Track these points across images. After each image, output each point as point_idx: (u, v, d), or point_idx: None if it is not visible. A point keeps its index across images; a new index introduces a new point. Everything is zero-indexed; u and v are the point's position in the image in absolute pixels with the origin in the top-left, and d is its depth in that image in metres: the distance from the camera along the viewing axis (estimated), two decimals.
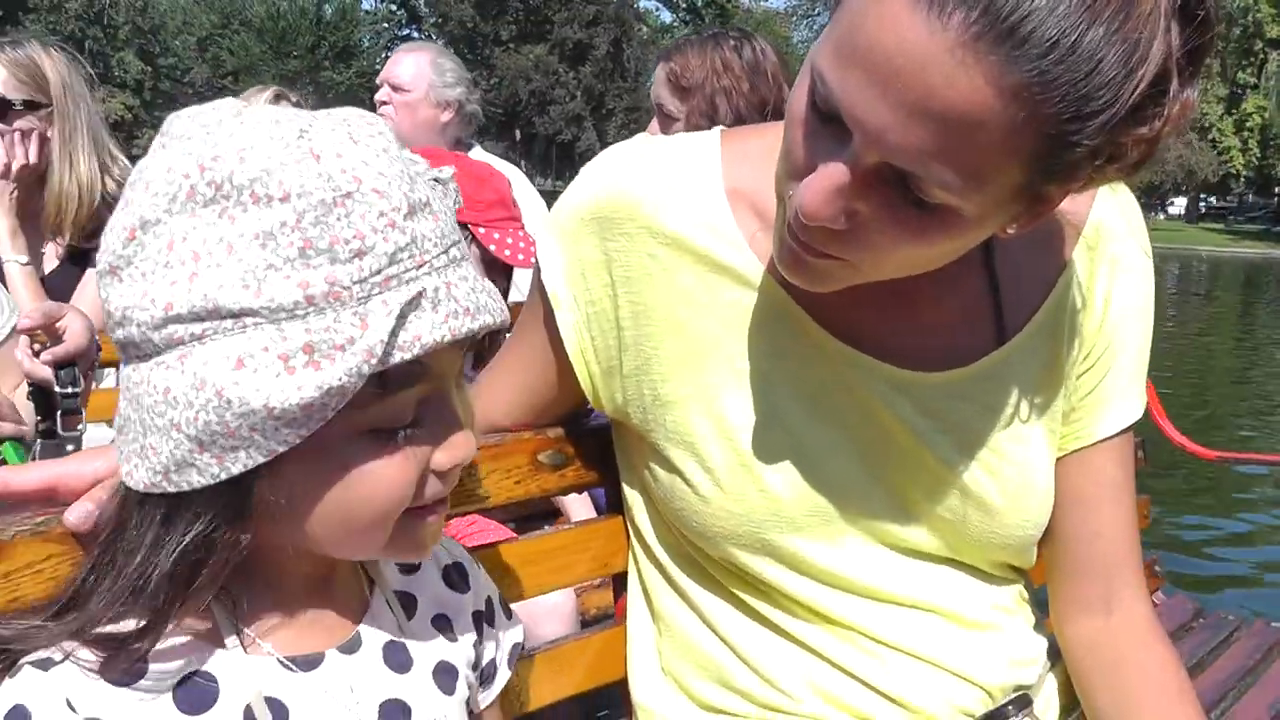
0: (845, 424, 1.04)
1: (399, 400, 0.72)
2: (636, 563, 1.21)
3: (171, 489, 0.69)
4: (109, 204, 2.44)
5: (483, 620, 0.95)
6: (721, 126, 1.12)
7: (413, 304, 0.68)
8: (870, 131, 0.76)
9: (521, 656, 1.02)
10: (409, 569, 0.91)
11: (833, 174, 0.80)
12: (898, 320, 1.03)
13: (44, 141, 2.41)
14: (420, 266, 0.69)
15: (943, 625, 1.09)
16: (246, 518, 0.72)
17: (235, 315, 0.66)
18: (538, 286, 1.10)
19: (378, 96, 3.44)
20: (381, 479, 0.73)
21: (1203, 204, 65.32)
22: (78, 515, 0.79)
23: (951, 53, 0.71)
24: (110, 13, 58.17)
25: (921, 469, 1.05)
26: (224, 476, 0.68)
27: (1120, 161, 0.77)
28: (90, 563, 0.75)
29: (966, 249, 0.87)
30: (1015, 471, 1.05)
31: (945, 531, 1.07)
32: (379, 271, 0.67)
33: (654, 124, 2.55)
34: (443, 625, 0.90)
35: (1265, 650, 2.33)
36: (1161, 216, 61.11)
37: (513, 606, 1.04)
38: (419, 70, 3.41)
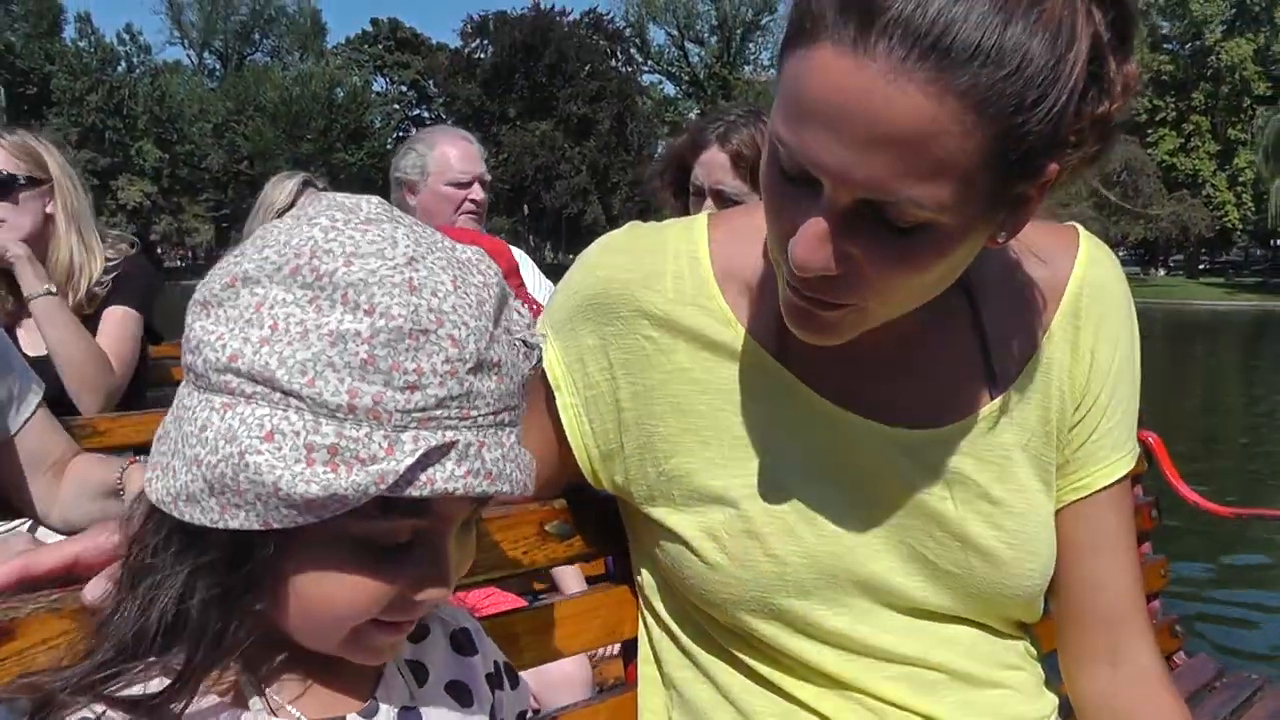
0: (848, 486, 1.06)
1: (394, 526, 0.75)
2: (647, 630, 1.23)
3: (177, 515, 0.72)
4: (100, 282, 2.62)
5: (494, 685, 0.97)
6: (710, 210, 1.16)
7: (441, 451, 0.71)
8: (835, 173, 0.81)
9: None
10: (417, 636, 0.93)
11: (814, 225, 0.85)
12: (891, 380, 1.07)
13: (47, 217, 2.54)
14: (465, 419, 0.72)
15: (951, 685, 1.09)
16: (256, 581, 0.75)
17: (285, 392, 0.69)
18: (539, 373, 1.14)
19: (474, 196, 3.24)
20: (349, 588, 0.76)
21: (1205, 259, 66.15)
22: (94, 594, 0.82)
23: (885, 78, 0.76)
24: (129, 104, 60.05)
25: (925, 525, 1.06)
26: (221, 525, 0.71)
27: (1081, 148, 0.82)
28: (116, 592, 0.78)
29: (963, 266, 0.91)
30: (1017, 523, 1.07)
31: (952, 586, 1.08)
32: (423, 410, 0.70)
33: (707, 206, 2.41)
34: (456, 690, 0.92)
35: None
36: (1162, 272, 61.86)
37: (529, 674, 1.12)
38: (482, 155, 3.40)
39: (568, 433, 1.13)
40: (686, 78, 72.91)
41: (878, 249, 0.85)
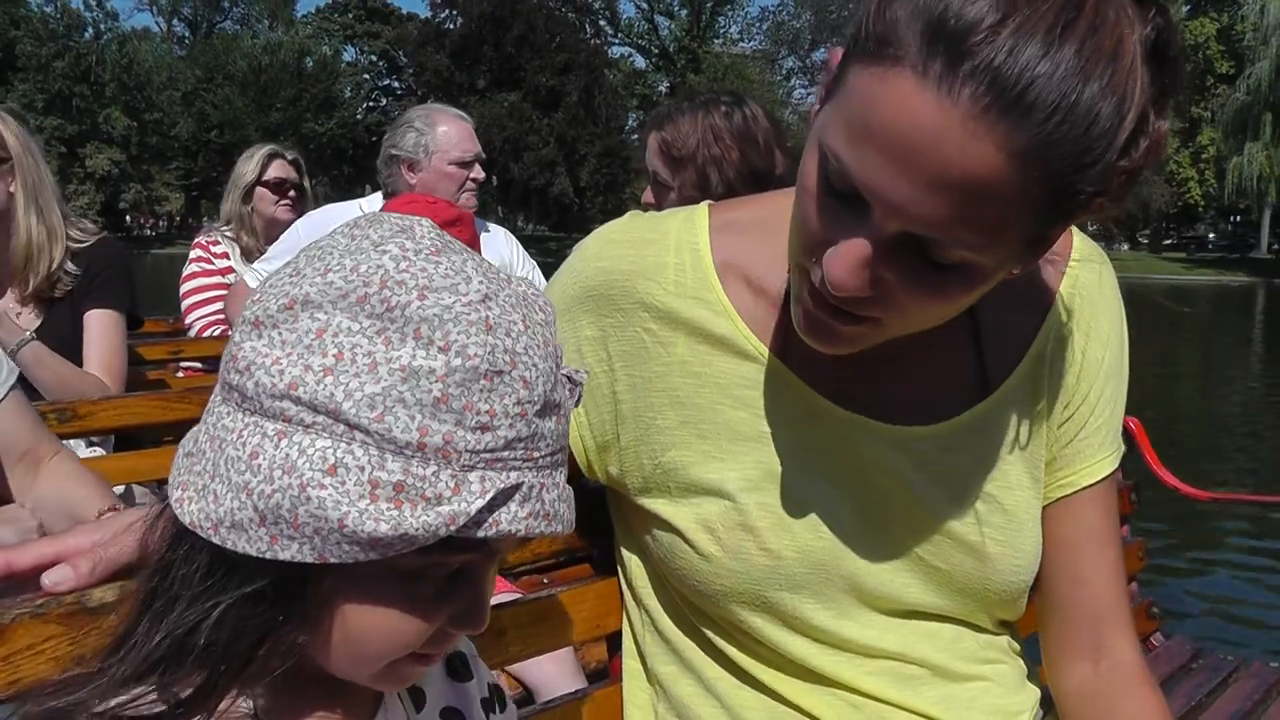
0: (842, 481, 1.07)
1: (444, 560, 0.74)
2: (631, 626, 1.24)
3: (218, 541, 0.69)
4: (70, 253, 2.54)
5: (489, 709, 0.97)
6: (709, 201, 1.18)
7: (507, 493, 0.71)
8: (892, 206, 0.80)
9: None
10: None
11: (856, 247, 0.84)
12: (886, 379, 1.07)
13: (9, 197, 2.42)
14: (529, 461, 0.72)
15: (933, 680, 1.11)
16: (303, 614, 0.73)
17: (350, 425, 0.68)
18: None
19: (475, 175, 3.33)
20: (394, 621, 0.75)
21: (1172, 234, 66.86)
22: (53, 579, 0.82)
23: (963, 125, 0.75)
24: (97, 70, 59.54)
25: (917, 521, 1.08)
26: (269, 556, 0.68)
27: (1106, 195, 0.82)
28: (138, 603, 0.76)
29: (980, 296, 0.92)
30: (1005, 520, 1.09)
31: (940, 583, 1.09)
32: (492, 451, 0.70)
33: (648, 192, 2.55)
34: (449, 715, 0.92)
35: (1265, 690, 2.33)
36: (1126, 246, 62.54)
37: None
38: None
39: None
40: (656, 50, 72.89)
41: (913, 279, 0.86)
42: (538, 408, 0.72)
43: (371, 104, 71.11)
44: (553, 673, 2.01)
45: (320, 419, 0.69)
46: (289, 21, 73.27)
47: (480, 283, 0.72)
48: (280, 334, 0.71)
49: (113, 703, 0.73)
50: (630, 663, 1.25)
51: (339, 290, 0.70)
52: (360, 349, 0.69)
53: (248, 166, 3.94)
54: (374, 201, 3.42)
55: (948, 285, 0.87)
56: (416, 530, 0.68)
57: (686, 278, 1.09)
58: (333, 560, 0.69)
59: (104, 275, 2.56)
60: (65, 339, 2.49)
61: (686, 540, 1.09)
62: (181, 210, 64.83)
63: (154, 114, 62.38)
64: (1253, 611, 5.21)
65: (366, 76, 72.36)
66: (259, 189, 3.91)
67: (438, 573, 0.75)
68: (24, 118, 2.58)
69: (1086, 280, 1.12)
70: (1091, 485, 1.13)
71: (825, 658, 1.10)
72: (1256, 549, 6.35)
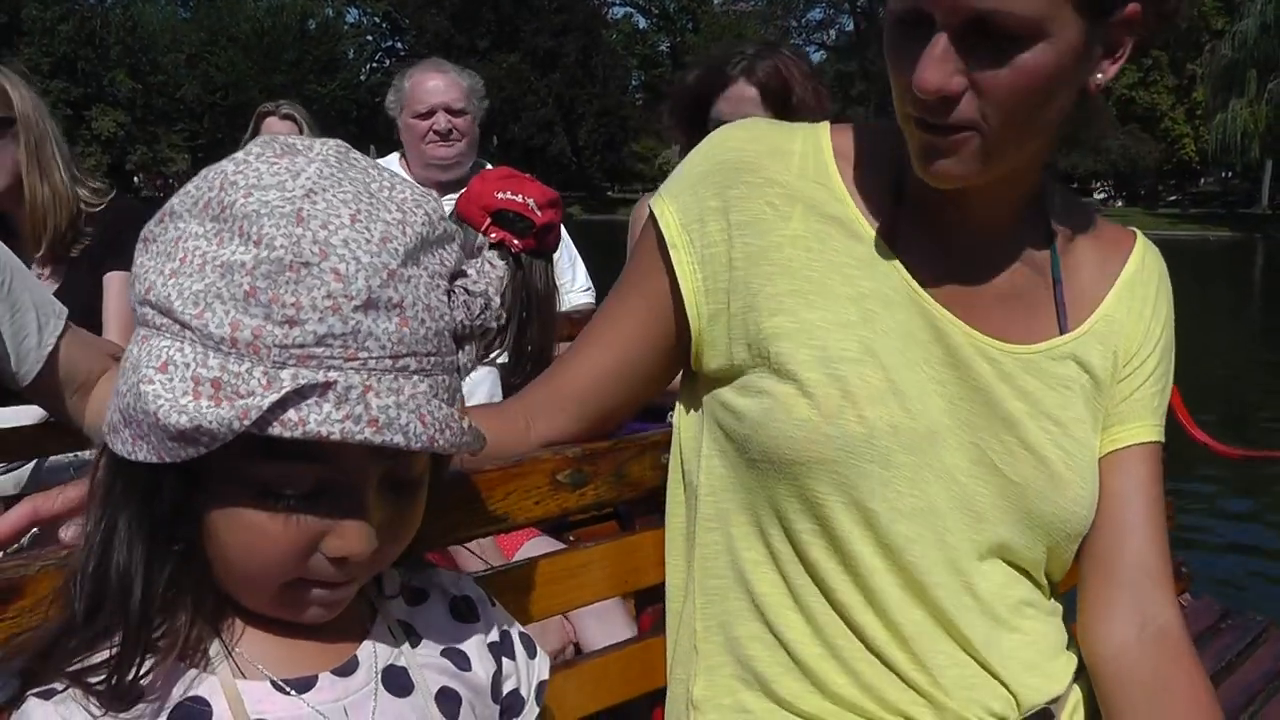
0: (935, 372, 1.12)
1: (287, 470, 0.72)
2: (688, 536, 1.23)
3: (111, 446, 0.72)
4: (85, 215, 2.51)
5: (500, 652, 0.95)
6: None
7: (317, 390, 0.68)
8: None
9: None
10: (415, 600, 0.92)
11: (933, 45, 0.96)
12: (980, 292, 1.15)
13: (15, 162, 2.39)
14: (350, 360, 0.69)
15: (981, 619, 1.12)
16: (170, 520, 0.73)
17: (181, 324, 0.69)
18: (653, 238, 1.19)
19: (436, 126, 3.24)
20: (260, 534, 0.73)
21: (1175, 190, 67.33)
22: (69, 534, 0.87)
23: None
24: (101, 34, 59.99)
25: (997, 429, 1.12)
26: (133, 457, 0.70)
27: (1143, 20, 1.00)
28: (83, 547, 0.77)
29: (1066, 102, 1.03)
30: (1075, 447, 1.14)
31: (1011, 498, 1.13)
32: (301, 346, 0.68)
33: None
34: (452, 655, 0.90)
35: None
36: (1120, 203, 63.03)
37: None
38: (472, 88, 3.38)
39: (683, 288, 1.16)
40: (656, 11, 73.14)
41: (989, 62, 0.96)
42: (356, 303, 0.69)
43: (374, 65, 71.50)
44: (596, 628, 1.94)
45: (165, 320, 0.70)
46: None
47: (309, 179, 0.71)
48: (155, 246, 0.73)
49: (83, 663, 0.73)
50: (674, 604, 1.25)
51: (193, 199, 0.72)
52: (198, 250, 0.70)
53: (250, 127, 3.94)
54: (391, 162, 3.40)
55: (1022, 61, 0.95)
56: (212, 423, 0.67)
57: (809, 164, 1.17)
58: (168, 459, 0.69)
59: (125, 236, 2.46)
60: (85, 301, 2.42)
61: (785, 407, 1.10)
62: (188, 170, 65.42)
63: (159, 76, 62.68)
64: None
65: (370, 38, 72.71)
66: None
67: (290, 485, 0.73)
68: (29, 77, 2.54)
69: (1151, 264, 1.24)
70: (1141, 444, 1.19)
71: (884, 578, 1.10)
72: None
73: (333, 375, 0.69)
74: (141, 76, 62.16)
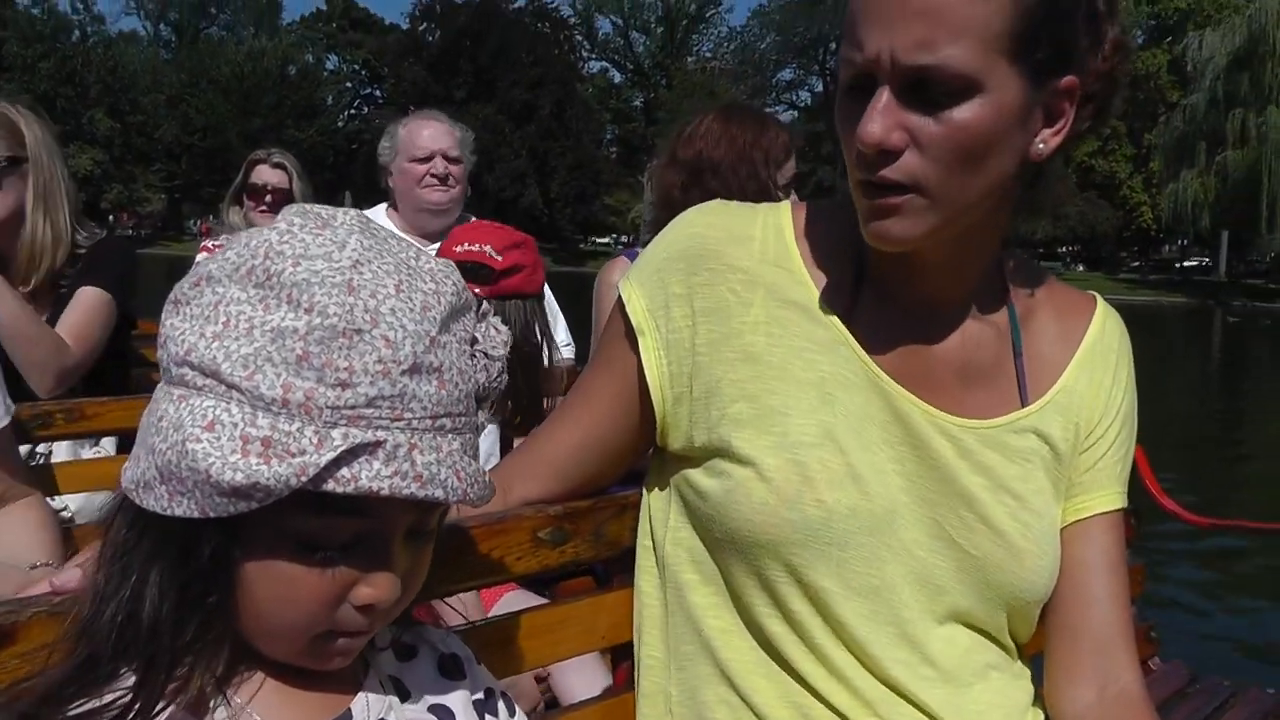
0: (893, 453, 1.14)
1: (331, 524, 0.76)
2: (660, 597, 1.25)
3: (139, 501, 0.74)
4: (73, 260, 2.48)
5: (484, 710, 0.97)
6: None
7: (368, 449, 0.72)
8: (880, 44, 0.96)
9: None
10: (405, 655, 0.94)
11: (875, 102, 0.98)
12: (939, 369, 1.16)
13: (20, 200, 2.37)
14: (396, 420, 0.74)
15: (943, 685, 1.14)
16: (208, 574, 0.75)
17: (228, 385, 0.72)
18: (620, 321, 1.22)
19: (434, 170, 3.28)
20: (297, 586, 0.76)
21: (1138, 257, 68.84)
22: (62, 579, 0.85)
23: None
24: (82, 73, 60.66)
25: (956, 504, 1.14)
26: (169, 513, 0.72)
27: (1089, 89, 1.03)
28: (94, 593, 0.77)
29: (1007, 167, 1.04)
30: (1034, 519, 1.15)
31: (971, 570, 1.14)
32: (353, 407, 0.72)
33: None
34: (438, 711, 0.92)
35: (1261, 716, 2.34)
36: (1081, 267, 64.45)
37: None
38: (464, 140, 3.41)
39: (648, 374, 1.19)
40: (631, 66, 74.66)
41: (930, 120, 0.99)
42: (404, 367, 0.74)
43: (353, 112, 72.37)
44: (576, 682, 1.97)
45: (208, 381, 0.73)
46: (274, 29, 74.54)
47: (354, 251, 0.76)
48: (190, 309, 0.76)
49: (87, 707, 0.75)
50: (646, 652, 1.27)
51: (233, 264, 0.76)
52: (243, 315, 0.74)
53: (241, 173, 4.00)
54: (378, 214, 3.42)
55: (960, 119, 0.98)
56: (269, 480, 0.70)
57: (770, 248, 1.19)
58: (212, 513, 0.72)
59: (103, 260, 2.52)
60: None
61: (745, 492, 1.12)
62: (164, 211, 65.86)
63: (138, 116, 63.28)
64: (1250, 637, 5.19)
65: (348, 85, 73.56)
66: (246, 196, 3.95)
67: (331, 538, 0.77)
68: (41, 112, 2.53)
69: (1111, 329, 1.25)
70: (1104, 514, 1.21)
71: (839, 652, 1.13)
72: (1254, 574, 6.37)
73: (381, 434, 0.73)
74: (120, 116, 62.77)
